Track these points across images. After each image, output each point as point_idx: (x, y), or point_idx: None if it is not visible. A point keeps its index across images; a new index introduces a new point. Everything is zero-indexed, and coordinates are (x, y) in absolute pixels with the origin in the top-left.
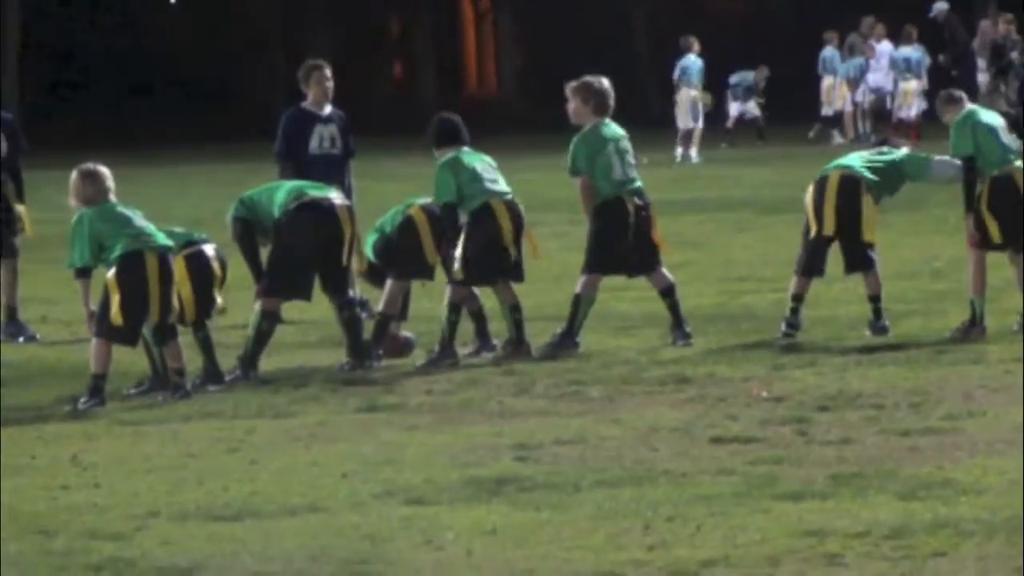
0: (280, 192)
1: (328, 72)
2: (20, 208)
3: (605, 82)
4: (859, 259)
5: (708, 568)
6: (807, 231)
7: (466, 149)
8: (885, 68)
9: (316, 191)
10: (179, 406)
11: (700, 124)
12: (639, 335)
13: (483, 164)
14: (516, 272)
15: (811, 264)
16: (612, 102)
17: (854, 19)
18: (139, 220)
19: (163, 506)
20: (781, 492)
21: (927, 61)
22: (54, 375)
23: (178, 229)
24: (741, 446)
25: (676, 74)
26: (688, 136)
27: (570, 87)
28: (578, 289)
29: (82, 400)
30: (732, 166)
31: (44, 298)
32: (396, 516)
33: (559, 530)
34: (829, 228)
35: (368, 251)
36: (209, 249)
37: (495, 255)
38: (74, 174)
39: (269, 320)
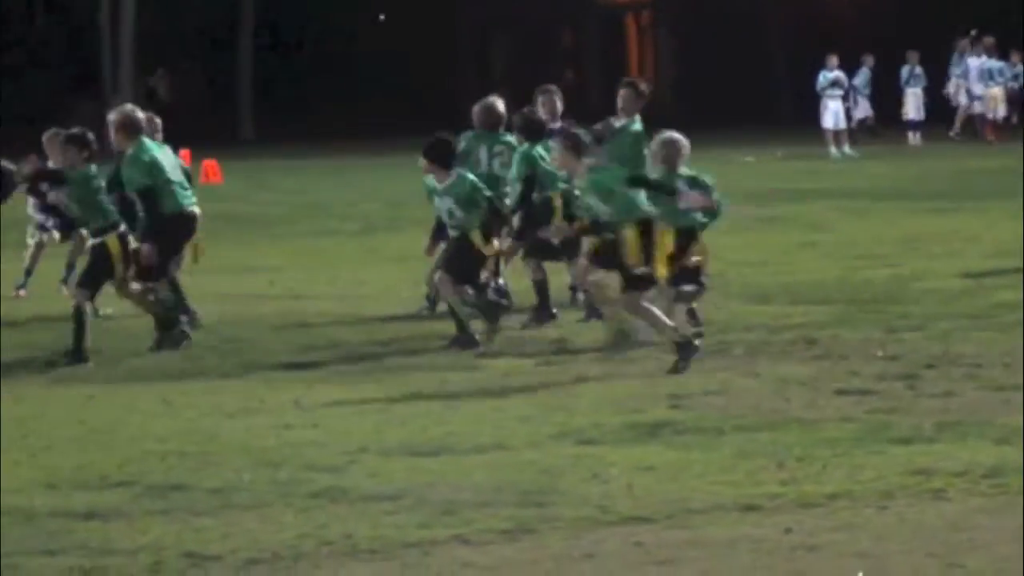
0: None
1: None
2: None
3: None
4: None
5: (832, 500)
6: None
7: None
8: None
9: None
10: (386, 359)
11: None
12: (774, 302)
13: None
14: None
15: None
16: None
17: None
18: None
19: (371, 443)
20: (894, 437)
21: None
22: (281, 331)
23: None
24: (860, 397)
25: (904, 79)
26: (918, 126)
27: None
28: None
29: None
30: (853, 161)
31: (272, 266)
32: (568, 454)
33: (706, 467)
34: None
35: None
36: None
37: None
38: None
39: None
